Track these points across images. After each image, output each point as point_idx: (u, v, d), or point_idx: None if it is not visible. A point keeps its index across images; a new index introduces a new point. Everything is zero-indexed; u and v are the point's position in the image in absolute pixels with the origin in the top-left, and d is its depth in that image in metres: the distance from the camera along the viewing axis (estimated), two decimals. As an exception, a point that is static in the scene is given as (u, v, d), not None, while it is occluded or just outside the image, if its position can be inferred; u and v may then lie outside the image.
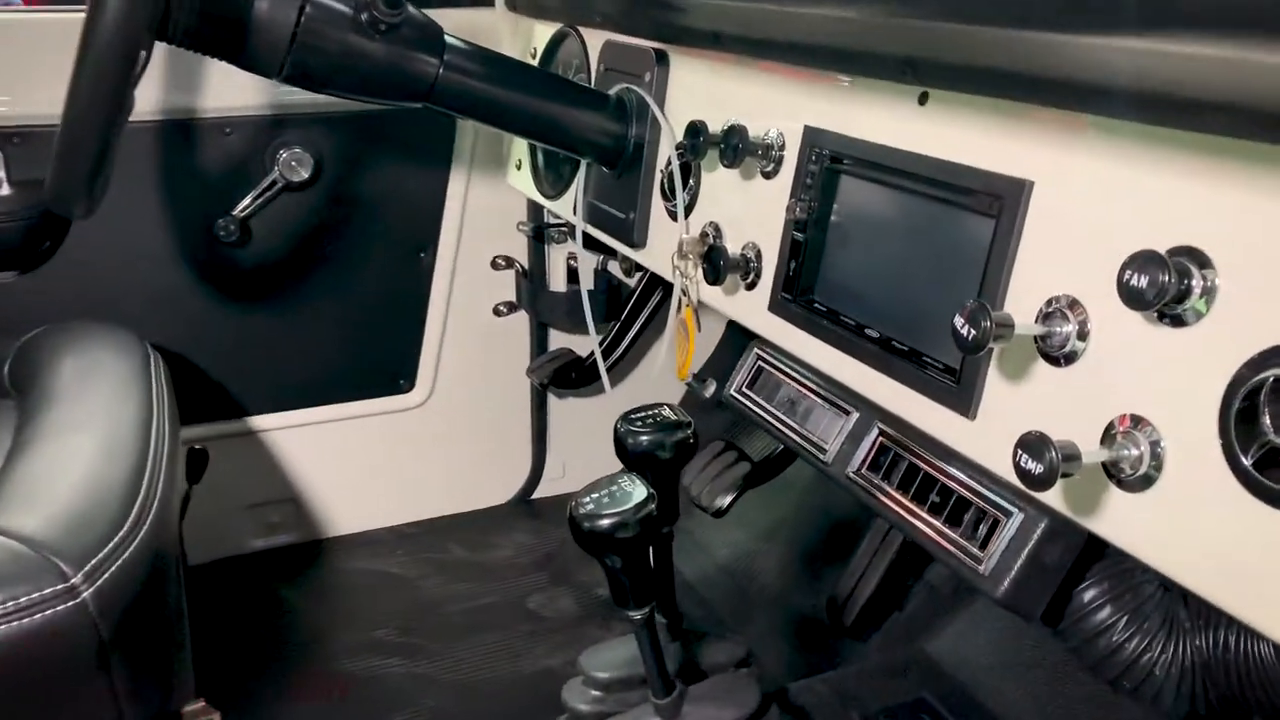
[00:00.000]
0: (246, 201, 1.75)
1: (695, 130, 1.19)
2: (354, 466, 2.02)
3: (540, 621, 1.83)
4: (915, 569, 1.55)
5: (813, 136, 1.08)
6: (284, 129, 1.75)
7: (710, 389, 2.26)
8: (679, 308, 1.31)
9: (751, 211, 1.19)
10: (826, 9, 0.92)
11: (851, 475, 1.03)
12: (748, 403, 1.21)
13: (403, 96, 1.30)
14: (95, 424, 1.24)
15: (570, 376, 2.04)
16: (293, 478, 1.98)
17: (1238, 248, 0.69)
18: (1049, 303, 0.82)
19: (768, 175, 1.15)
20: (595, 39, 1.56)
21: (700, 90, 1.31)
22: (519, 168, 1.83)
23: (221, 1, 1.13)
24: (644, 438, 1.02)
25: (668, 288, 1.97)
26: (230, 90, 1.70)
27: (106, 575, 1.02)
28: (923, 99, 0.95)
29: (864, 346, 1.00)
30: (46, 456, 1.17)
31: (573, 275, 2.05)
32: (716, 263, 1.16)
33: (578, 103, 1.40)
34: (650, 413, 1.06)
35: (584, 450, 2.21)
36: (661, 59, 1.36)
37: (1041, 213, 0.83)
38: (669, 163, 1.32)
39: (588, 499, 0.92)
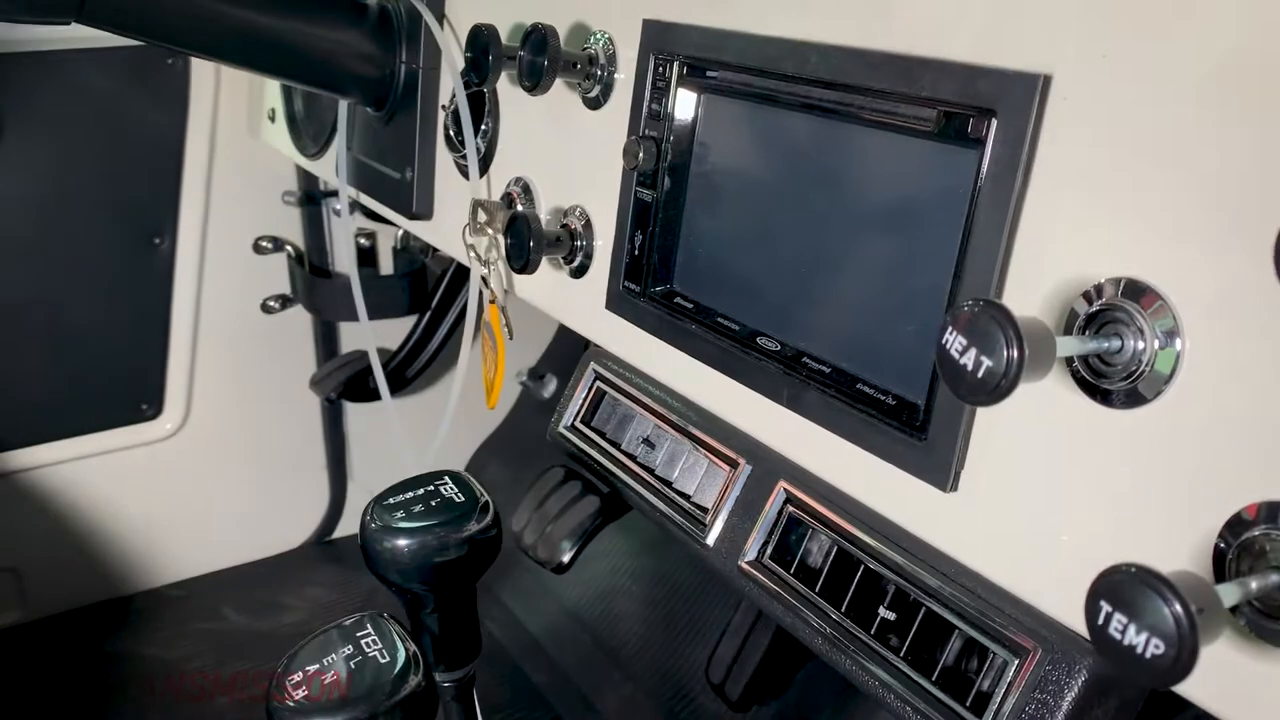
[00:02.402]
0: (-122, 178, 1.25)
1: (480, 40, 0.78)
2: (90, 518, 1.55)
3: (341, 711, 1.41)
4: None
5: (656, 35, 0.69)
6: (-71, 75, 1.26)
7: (550, 387, 1.88)
8: (481, 306, 0.91)
9: (574, 160, 0.80)
10: None
11: (746, 568, 0.65)
12: (584, 445, 0.82)
13: (38, 8, 0.85)
14: None
15: (368, 385, 1.61)
16: (8, 541, 1.50)
17: None
18: (1094, 292, 0.46)
19: (594, 104, 0.76)
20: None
21: (492, -13, 0.90)
22: (273, 119, 1.38)
23: None
24: (406, 541, 0.62)
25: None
26: None
27: None
28: (834, -43, 0.57)
29: (758, 365, 0.63)
30: None
31: (365, 257, 1.61)
32: (523, 239, 0.76)
33: (321, 15, 0.97)
34: (420, 492, 0.66)
35: (395, 475, 1.77)
36: (435, -52, 0.95)
37: (1071, 131, 0.47)
38: (453, 97, 0.91)
39: (298, 677, 0.52)
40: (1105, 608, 0.36)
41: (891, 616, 0.57)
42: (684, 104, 0.68)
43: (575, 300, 0.81)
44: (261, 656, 1.51)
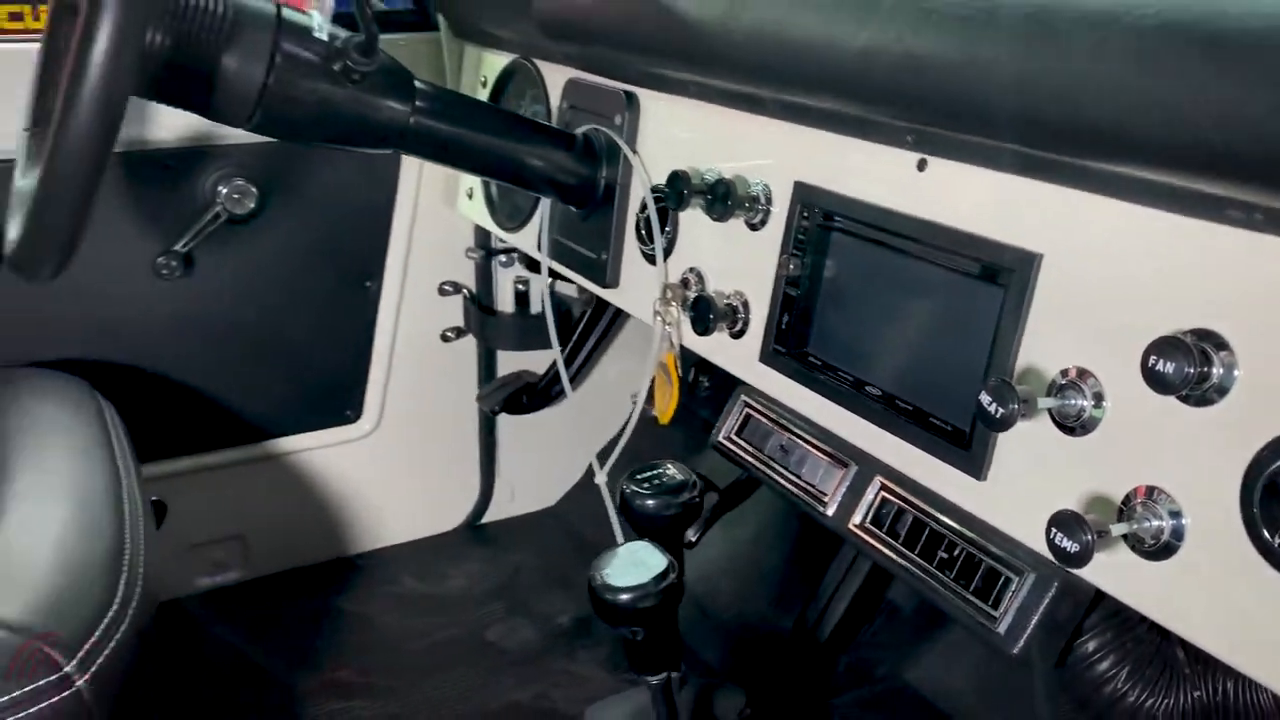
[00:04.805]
0: (189, 236, 1.69)
1: (678, 180, 1.19)
2: (302, 499, 1.98)
3: (502, 654, 1.82)
4: (881, 593, 1.59)
5: (804, 193, 1.09)
6: (225, 160, 1.69)
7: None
8: (660, 352, 1.31)
9: (737, 260, 1.20)
10: (822, 69, 0.93)
11: (853, 529, 1.05)
12: (737, 449, 1.22)
13: (372, 144, 1.27)
14: (64, 493, 1.18)
15: (522, 401, 2.02)
16: (239, 514, 1.92)
17: (1256, 332, 0.73)
18: (1063, 373, 0.85)
19: (754, 226, 1.16)
20: (554, 74, 1.55)
21: (675, 135, 1.31)
22: (470, 196, 1.80)
23: (189, 54, 1.09)
24: (650, 500, 1.03)
25: (619, 309, 1.98)
26: (169, 122, 1.63)
27: (99, 661, 0.99)
28: (921, 165, 0.97)
29: (865, 402, 1.03)
30: (17, 532, 1.12)
31: (520, 298, 2.04)
32: (705, 314, 1.17)
33: (545, 144, 1.39)
34: (655, 473, 1.07)
35: (532, 473, 2.20)
36: (631, 100, 1.36)
37: (1052, 285, 0.86)
38: (644, 206, 1.32)
39: (607, 568, 0.92)
40: (1054, 531, 0.76)
41: (945, 556, 0.97)
42: (820, 236, 1.08)
43: (734, 354, 1.20)
44: (435, 613, 1.93)
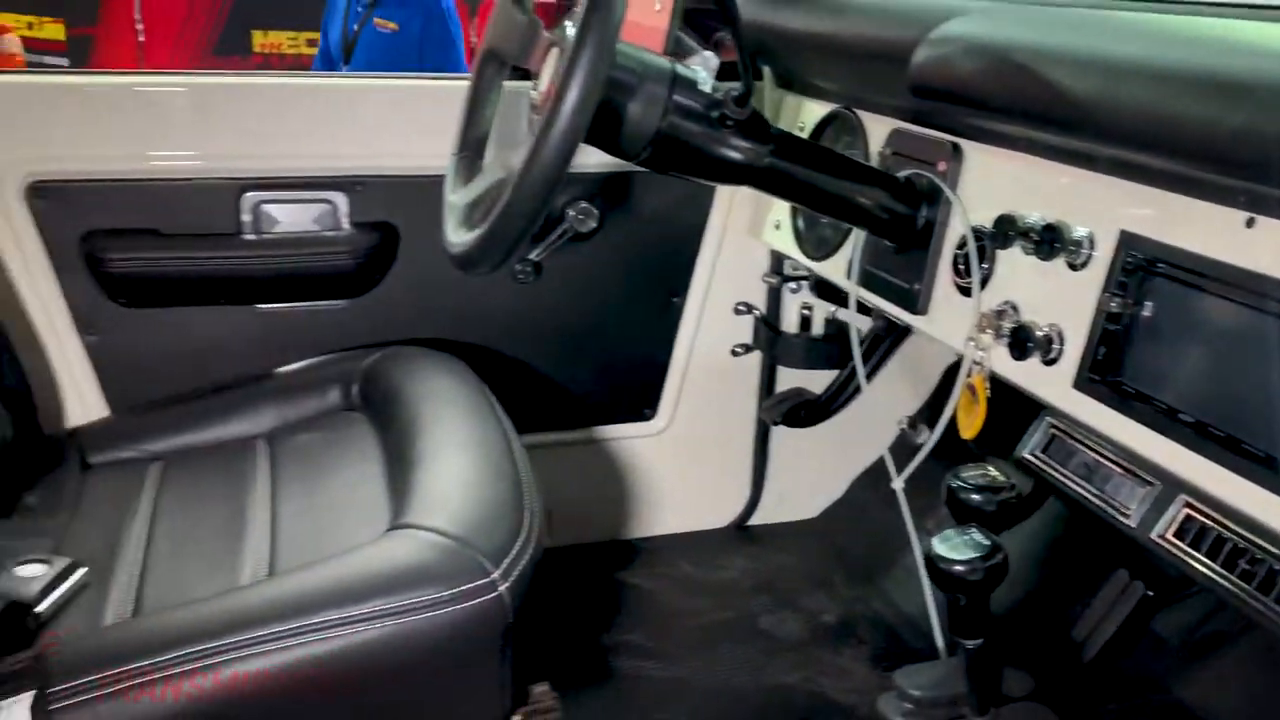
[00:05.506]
0: (541, 247, 1.99)
1: (1004, 222, 1.36)
2: (599, 483, 2.25)
3: (773, 641, 2.01)
4: (1146, 623, 1.68)
5: (1129, 241, 1.24)
6: (575, 186, 1.99)
7: (923, 436, 2.43)
8: (968, 374, 1.47)
9: (1054, 296, 1.35)
10: (1189, 143, 1.07)
11: (1156, 539, 1.19)
12: (1042, 465, 1.37)
13: (731, 179, 1.50)
14: (470, 444, 1.47)
15: (800, 415, 2.22)
16: (547, 490, 2.20)
17: None
18: (1383, 411, 0.97)
19: (1075, 267, 1.31)
20: (874, 123, 1.75)
21: (998, 182, 1.48)
22: (778, 228, 2.02)
23: (610, 101, 1.35)
24: (974, 495, 1.20)
25: (897, 337, 2.15)
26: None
27: (515, 574, 1.24)
28: (1250, 222, 1.10)
29: (1177, 429, 1.16)
30: (440, 470, 1.40)
31: (804, 322, 2.25)
32: (1024, 342, 1.33)
33: (874, 186, 1.58)
34: (978, 473, 1.24)
35: (799, 484, 2.39)
36: (957, 150, 1.53)
37: (1375, 333, 0.98)
38: (963, 243, 1.49)
39: (943, 543, 1.10)
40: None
41: (1247, 567, 1.09)
42: (1142, 278, 1.22)
43: (1044, 379, 1.35)
44: (710, 597, 2.14)
